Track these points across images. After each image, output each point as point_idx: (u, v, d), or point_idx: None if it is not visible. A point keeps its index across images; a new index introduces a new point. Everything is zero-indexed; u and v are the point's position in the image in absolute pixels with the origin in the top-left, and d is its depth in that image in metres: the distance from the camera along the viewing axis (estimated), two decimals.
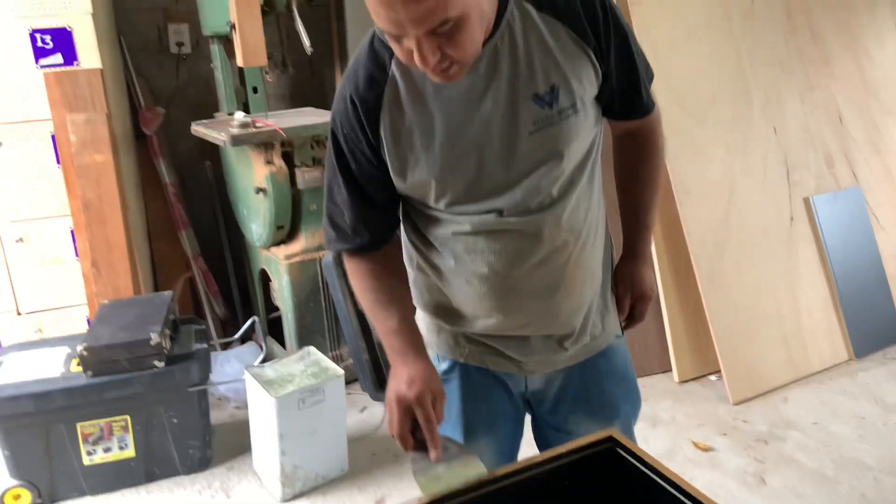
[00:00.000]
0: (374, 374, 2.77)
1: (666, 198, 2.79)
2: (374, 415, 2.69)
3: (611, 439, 1.06)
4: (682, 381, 2.83)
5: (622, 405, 1.29)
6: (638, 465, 1.01)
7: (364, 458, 2.41)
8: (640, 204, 1.28)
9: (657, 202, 1.30)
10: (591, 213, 1.14)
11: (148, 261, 3.04)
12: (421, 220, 1.15)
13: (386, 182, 1.08)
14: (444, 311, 1.21)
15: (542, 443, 1.33)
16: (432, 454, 1.00)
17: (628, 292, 1.29)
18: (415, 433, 1.04)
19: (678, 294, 2.84)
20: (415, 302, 1.26)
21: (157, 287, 3.07)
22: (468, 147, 1.03)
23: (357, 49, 1.08)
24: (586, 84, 1.04)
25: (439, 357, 1.25)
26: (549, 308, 1.15)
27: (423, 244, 1.17)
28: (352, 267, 1.16)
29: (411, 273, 1.25)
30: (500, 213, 1.07)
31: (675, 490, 0.93)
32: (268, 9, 2.65)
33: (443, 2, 0.83)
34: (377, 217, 1.13)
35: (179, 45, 3.22)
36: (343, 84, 1.08)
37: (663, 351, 2.89)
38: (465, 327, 1.20)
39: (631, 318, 1.32)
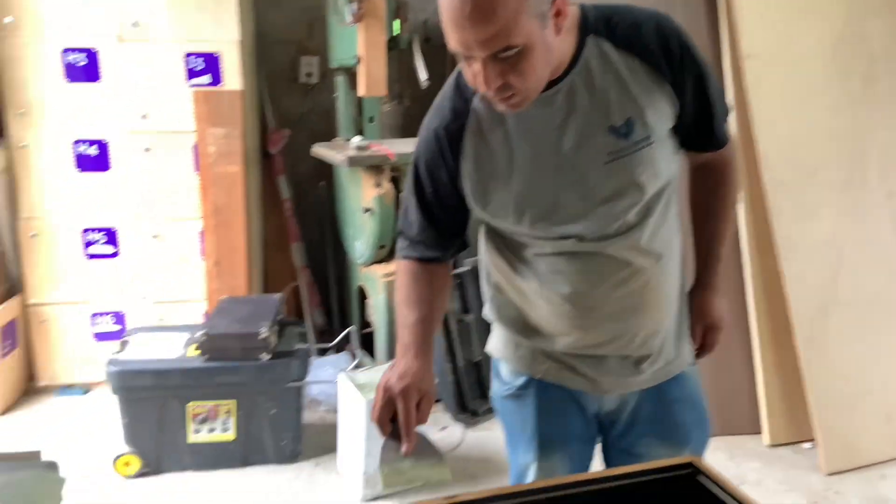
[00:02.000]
0: (456, 396, 2.87)
1: (767, 253, 2.74)
2: (455, 435, 2.78)
3: (691, 465, 1.06)
4: (773, 445, 2.72)
5: (693, 432, 1.31)
6: (722, 492, 0.99)
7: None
8: (714, 235, 1.31)
9: (729, 234, 1.34)
10: (668, 238, 1.19)
11: (260, 267, 3.30)
12: (503, 242, 1.22)
13: (456, 209, 1.18)
14: (522, 328, 1.26)
15: (611, 466, 1.35)
16: (403, 447, 1.02)
17: (700, 322, 1.33)
18: (396, 422, 1.05)
19: (774, 354, 2.74)
20: (491, 319, 1.33)
21: (266, 292, 3.32)
22: (545, 175, 1.11)
23: (443, 87, 1.19)
24: (662, 117, 1.10)
25: (515, 373, 1.29)
26: (627, 329, 1.20)
27: (505, 263, 1.23)
28: (403, 267, 1.24)
29: (488, 292, 1.31)
30: (579, 238, 1.14)
31: None
32: (391, 46, 2.89)
33: (507, 29, 0.92)
34: (443, 238, 1.22)
35: (308, 75, 3.53)
36: (429, 117, 1.19)
37: (753, 411, 2.78)
38: (544, 344, 1.25)
39: (702, 347, 1.35)
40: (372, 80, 2.76)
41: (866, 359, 2.71)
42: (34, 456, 0.88)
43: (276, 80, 3.50)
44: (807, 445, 2.72)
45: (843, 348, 2.68)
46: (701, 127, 1.16)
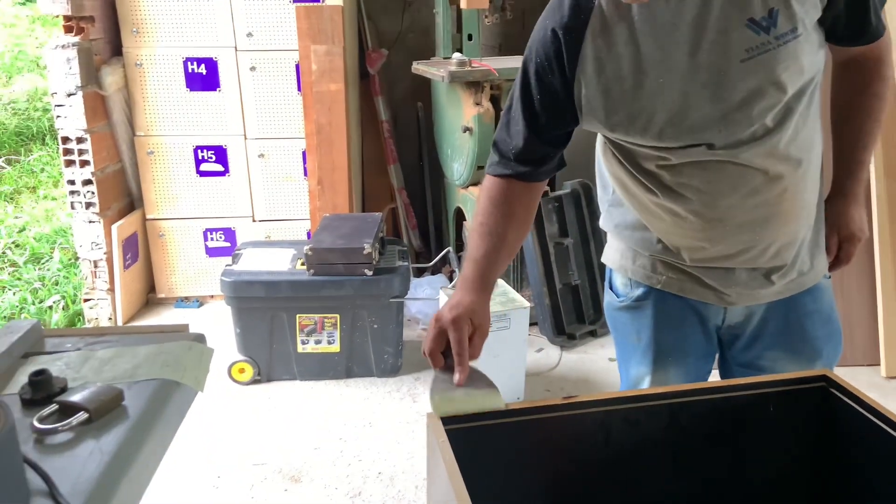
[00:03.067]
0: (553, 318, 2.86)
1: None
2: (551, 356, 2.79)
3: (825, 378, 1.02)
4: (891, 377, 2.61)
5: (825, 347, 1.24)
6: (858, 408, 0.96)
7: (538, 392, 2.52)
8: (859, 139, 1.20)
9: (877, 139, 1.21)
10: (809, 142, 1.10)
11: (359, 188, 3.34)
12: (623, 153, 1.15)
13: (564, 120, 1.10)
14: (642, 240, 1.22)
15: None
16: (456, 377, 0.99)
17: (835, 232, 1.24)
18: (447, 356, 1.02)
19: None
20: (608, 229, 1.28)
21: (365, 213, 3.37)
22: (675, 78, 1.01)
23: None
24: (809, 6, 0.98)
25: (633, 283, 1.25)
26: (760, 240, 1.13)
27: (625, 175, 1.17)
28: (488, 186, 1.16)
29: (605, 201, 1.27)
30: (709, 146, 1.05)
31: None
32: None
33: None
34: (544, 151, 1.14)
35: None
36: (545, 16, 1.09)
37: (871, 341, 2.67)
38: (666, 255, 1.20)
39: (837, 260, 1.26)
40: None
41: None
42: (183, 328, 0.93)
43: None
44: None
45: None
46: (853, 16, 1.04)
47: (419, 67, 2.91)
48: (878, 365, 2.63)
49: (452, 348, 1.01)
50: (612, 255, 1.30)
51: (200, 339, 0.92)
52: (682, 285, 1.21)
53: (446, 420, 0.94)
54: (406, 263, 2.59)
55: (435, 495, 0.95)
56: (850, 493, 1.00)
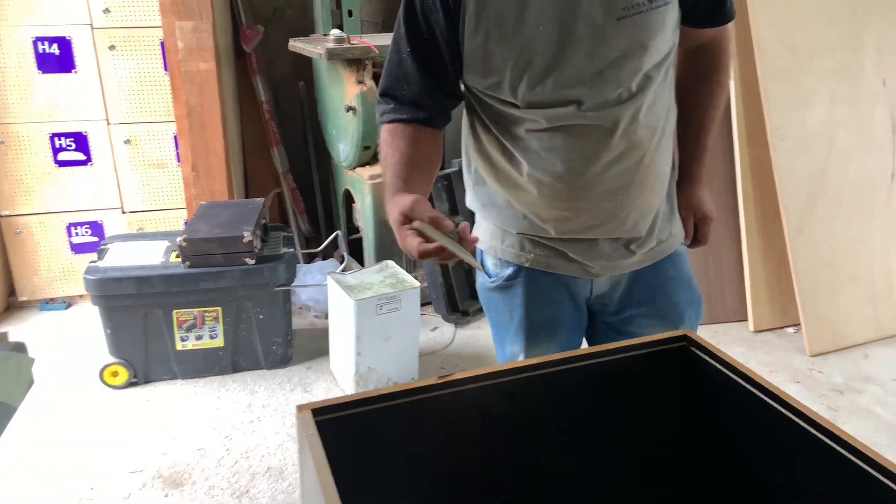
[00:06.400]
0: (447, 297, 2.84)
1: (759, 143, 2.71)
2: (445, 334, 2.77)
3: (686, 338, 1.06)
4: (758, 331, 2.77)
5: (687, 310, 1.28)
6: (717, 364, 1.01)
7: (433, 371, 2.50)
8: (703, 125, 1.25)
9: (718, 124, 1.28)
10: (664, 113, 1.13)
11: (241, 174, 3.18)
12: (491, 120, 1.13)
13: (453, 59, 1.07)
14: (510, 217, 1.21)
15: None
16: (443, 228, 0.93)
17: (690, 215, 1.29)
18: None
19: (762, 243, 2.77)
20: (476, 209, 1.27)
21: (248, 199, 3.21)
22: (553, 27, 1.01)
23: None
24: None
25: (503, 262, 1.25)
26: (620, 209, 1.15)
27: (493, 147, 1.16)
28: (388, 131, 1.11)
29: (471, 182, 1.25)
30: (578, 104, 1.05)
31: (758, 390, 0.90)
32: None
33: None
34: (437, 91, 1.10)
35: None
36: None
37: (740, 299, 2.83)
38: (533, 231, 1.20)
39: (696, 241, 1.32)
40: None
41: (853, 245, 2.73)
42: (2, 337, 0.82)
43: None
44: (791, 330, 2.76)
45: (830, 235, 2.70)
46: None
47: (296, 45, 2.79)
48: (747, 320, 2.80)
49: (424, 220, 0.93)
50: (482, 235, 1.27)
51: (20, 348, 0.81)
52: (549, 261, 1.22)
53: (317, 411, 0.88)
54: (292, 250, 2.48)
55: (306, 495, 0.89)
56: (721, 447, 1.03)
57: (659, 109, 1.12)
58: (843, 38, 2.75)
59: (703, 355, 1.03)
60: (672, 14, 1.05)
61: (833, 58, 2.74)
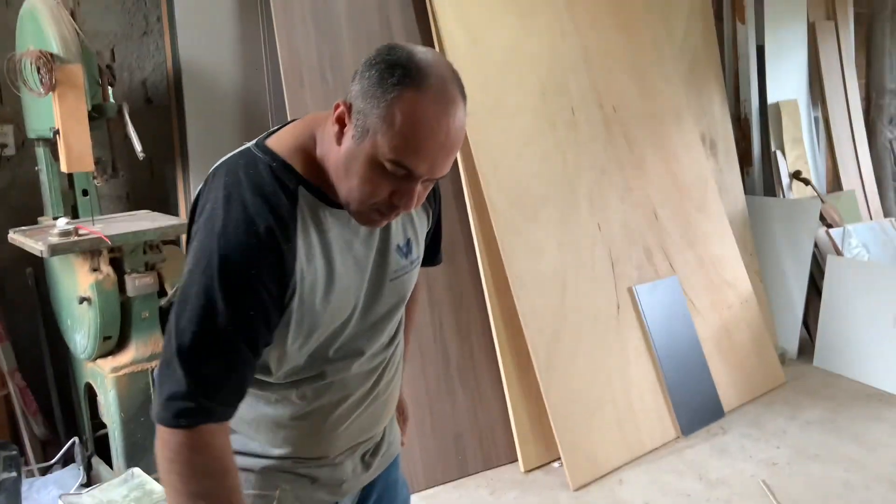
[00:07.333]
0: None
1: (505, 292, 2.94)
2: None
3: None
4: (528, 471, 2.89)
5: None
6: None
7: None
8: (406, 341, 1.37)
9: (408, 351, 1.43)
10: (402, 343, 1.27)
11: None
12: (264, 380, 1.09)
13: (269, 336, 0.99)
14: (267, 468, 1.15)
15: None
16: None
17: (402, 414, 1.45)
18: None
19: (520, 384, 2.95)
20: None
21: None
22: (351, 294, 1.07)
23: (237, 165, 0.99)
24: (422, 239, 1.20)
25: None
26: (375, 434, 1.24)
27: (255, 398, 1.10)
28: (209, 441, 0.93)
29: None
30: (360, 353, 1.12)
31: None
32: (96, 114, 2.60)
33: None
34: (244, 385, 0.99)
35: (2, 146, 3.05)
36: (238, 208, 0.93)
37: (509, 441, 2.96)
38: (284, 465, 1.16)
39: (402, 432, 1.44)
40: (74, 155, 2.44)
41: (594, 374, 3.01)
42: None
43: None
44: (556, 465, 2.93)
45: (574, 367, 2.97)
46: (434, 245, 1.29)
47: (16, 238, 2.54)
48: (517, 461, 2.91)
49: None
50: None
51: None
52: (297, 493, 1.18)
53: None
54: (13, 474, 2.15)
55: None
56: None
57: (402, 344, 1.26)
58: (561, 193, 3.15)
59: None
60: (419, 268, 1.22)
61: (556, 209, 3.11)
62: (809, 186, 4.49)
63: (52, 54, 2.39)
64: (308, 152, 1.01)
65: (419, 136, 0.90)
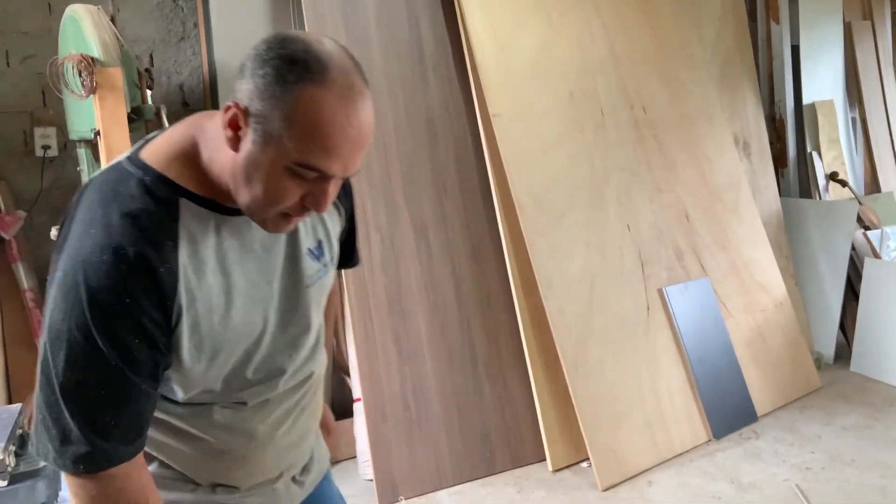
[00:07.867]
0: None
1: (533, 292, 2.94)
2: None
3: None
4: (556, 470, 2.89)
5: None
6: None
7: None
8: (328, 341, 1.32)
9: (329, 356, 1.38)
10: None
11: (2, 369, 2.85)
12: (168, 405, 0.98)
13: (164, 358, 0.90)
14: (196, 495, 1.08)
15: None
16: None
17: (325, 427, 1.36)
18: None
19: (548, 384, 2.95)
20: None
21: (10, 398, 2.87)
22: (257, 307, 0.97)
23: (105, 183, 0.90)
24: (334, 240, 1.13)
25: None
26: (303, 452, 1.18)
27: (162, 429, 1.00)
28: (122, 486, 0.87)
29: None
30: (281, 372, 1.03)
31: None
32: (135, 116, 2.68)
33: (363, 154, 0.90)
34: (149, 408, 0.91)
35: (45, 147, 3.17)
36: (104, 234, 0.84)
37: (537, 440, 2.96)
38: (214, 497, 1.08)
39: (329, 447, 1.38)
40: (114, 155, 2.51)
41: (623, 376, 2.99)
42: None
43: (5, 156, 3.10)
44: (584, 465, 2.91)
45: (603, 369, 2.95)
46: (349, 246, 1.21)
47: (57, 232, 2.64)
48: (545, 460, 2.91)
49: None
50: None
51: None
52: None
53: None
54: None
55: None
56: None
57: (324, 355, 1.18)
58: (589, 195, 3.14)
59: None
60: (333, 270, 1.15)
61: (584, 210, 3.11)
62: (846, 188, 4.41)
63: (92, 58, 2.48)
64: (190, 159, 0.91)
65: (329, 136, 0.83)
